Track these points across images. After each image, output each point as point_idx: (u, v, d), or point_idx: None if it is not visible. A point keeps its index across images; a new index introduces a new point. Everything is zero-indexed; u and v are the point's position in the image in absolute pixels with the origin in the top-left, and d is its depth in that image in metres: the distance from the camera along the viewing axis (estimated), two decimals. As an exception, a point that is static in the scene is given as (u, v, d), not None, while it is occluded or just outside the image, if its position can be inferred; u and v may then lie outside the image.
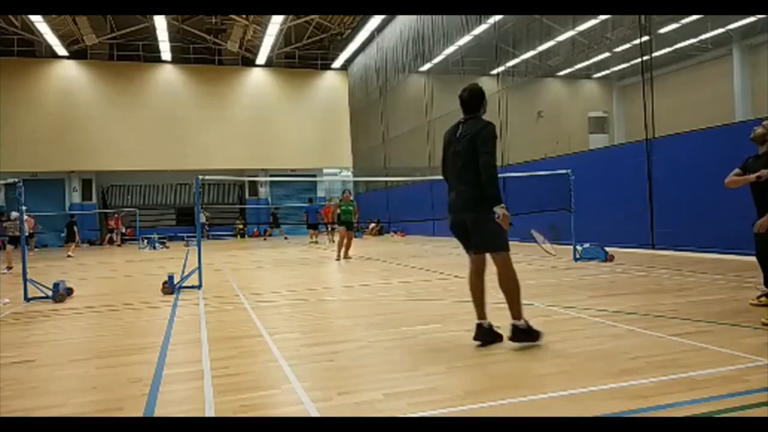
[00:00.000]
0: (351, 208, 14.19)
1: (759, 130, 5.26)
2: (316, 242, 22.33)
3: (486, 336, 4.38)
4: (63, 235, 24.17)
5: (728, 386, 3.24)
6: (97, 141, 29.45)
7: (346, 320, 5.83)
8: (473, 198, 4.31)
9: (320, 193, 33.53)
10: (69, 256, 18.82)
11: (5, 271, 13.29)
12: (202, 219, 29.17)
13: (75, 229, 21.29)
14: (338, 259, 13.32)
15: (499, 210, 4.17)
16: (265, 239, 28.47)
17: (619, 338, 4.53)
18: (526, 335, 4.28)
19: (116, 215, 28.11)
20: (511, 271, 4.38)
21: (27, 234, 13.80)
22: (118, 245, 26.91)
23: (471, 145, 4.28)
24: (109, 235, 27.89)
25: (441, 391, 3.35)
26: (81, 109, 29.48)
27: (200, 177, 9.01)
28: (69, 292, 8.34)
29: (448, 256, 13.65)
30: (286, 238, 26.80)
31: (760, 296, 5.58)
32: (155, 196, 32.73)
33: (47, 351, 4.97)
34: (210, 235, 30.16)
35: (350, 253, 13.78)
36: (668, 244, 11.83)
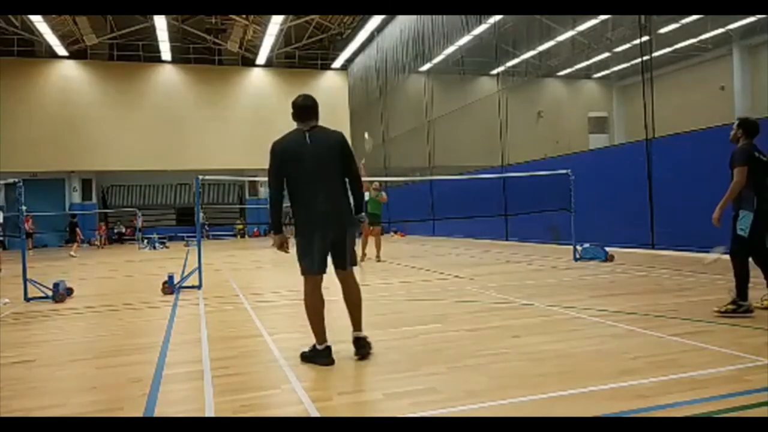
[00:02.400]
0: (378, 201, 12.13)
1: (732, 131, 5.47)
2: None
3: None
4: (66, 229, 24.20)
5: (728, 386, 3.24)
6: (97, 141, 29.42)
7: (346, 320, 5.82)
8: (347, 208, 4.21)
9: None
10: (72, 255, 18.90)
11: None
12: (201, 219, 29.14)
13: (77, 229, 21.32)
14: (379, 260, 12.32)
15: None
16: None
17: (619, 338, 4.53)
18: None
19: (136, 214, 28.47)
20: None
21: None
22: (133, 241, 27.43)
23: (335, 154, 4.13)
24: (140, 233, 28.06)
25: (441, 391, 3.35)
26: (81, 109, 29.46)
27: (200, 177, 9.01)
28: (69, 292, 8.34)
29: (448, 256, 13.65)
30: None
31: (765, 297, 5.56)
32: (155, 196, 32.72)
33: (47, 351, 4.97)
34: (210, 235, 30.14)
35: (376, 254, 12.56)
36: (668, 244, 11.82)
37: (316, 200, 4.07)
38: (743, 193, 5.21)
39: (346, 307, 4.36)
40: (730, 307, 5.24)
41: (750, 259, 5.36)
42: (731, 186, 5.22)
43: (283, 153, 4.11)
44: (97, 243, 26.99)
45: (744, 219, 5.20)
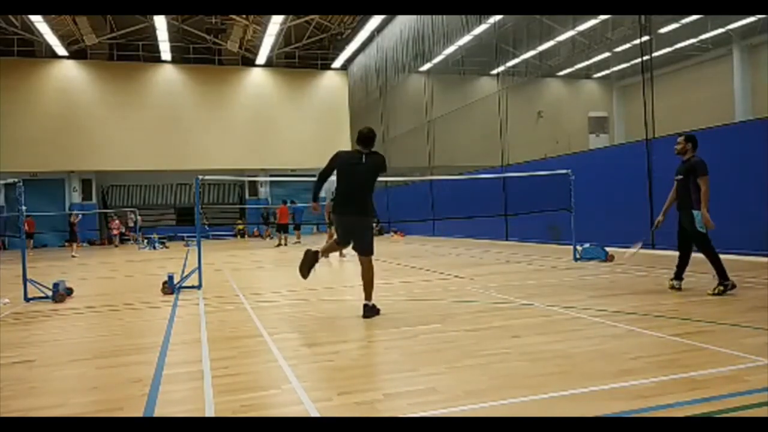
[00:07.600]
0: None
1: (679, 145, 6.74)
2: (299, 242, 22.26)
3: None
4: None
5: (728, 386, 3.24)
6: (97, 141, 29.44)
7: (346, 320, 5.83)
8: (367, 209, 5.84)
9: (320, 194, 33.44)
10: (73, 256, 18.94)
11: None
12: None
13: (75, 229, 21.32)
14: (341, 256, 13.37)
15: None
16: (270, 238, 28.39)
17: (619, 338, 4.53)
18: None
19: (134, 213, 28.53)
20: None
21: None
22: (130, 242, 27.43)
23: (373, 172, 5.85)
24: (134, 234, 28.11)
25: (441, 391, 3.35)
26: (81, 109, 29.48)
27: (200, 177, 9.00)
28: (69, 292, 8.33)
29: (448, 256, 13.65)
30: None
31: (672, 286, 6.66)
32: (155, 196, 32.73)
33: (47, 351, 4.97)
34: (209, 234, 30.13)
35: (344, 251, 13.65)
36: (668, 244, 11.78)
37: (349, 199, 5.84)
38: (694, 197, 6.61)
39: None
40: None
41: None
42: (706, 193, 6.43)
43: (341, 160, 5.87)
44: (114, 242, 27.09)
45: (698, 217, 6.55)
